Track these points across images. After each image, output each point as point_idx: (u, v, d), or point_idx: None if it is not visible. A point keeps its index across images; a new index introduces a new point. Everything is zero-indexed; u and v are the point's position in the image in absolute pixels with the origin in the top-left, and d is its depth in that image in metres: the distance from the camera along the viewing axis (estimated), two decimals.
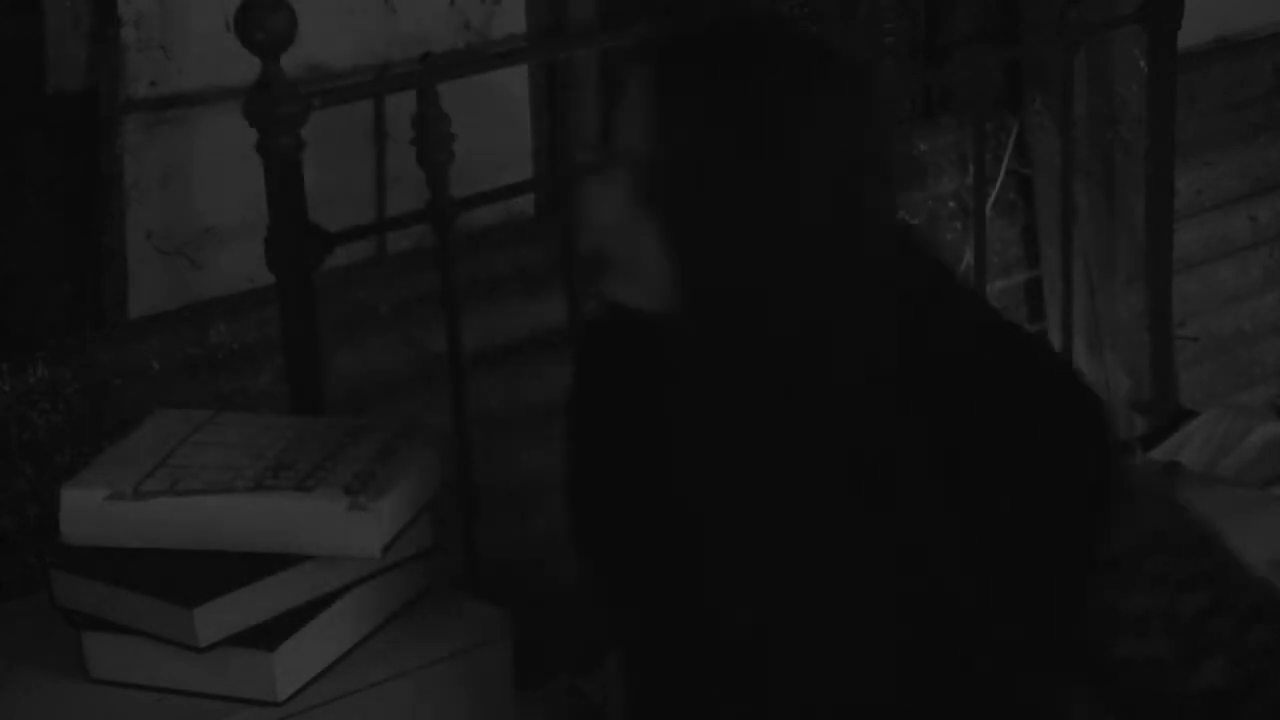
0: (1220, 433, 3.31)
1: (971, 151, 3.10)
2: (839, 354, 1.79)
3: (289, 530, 1.93)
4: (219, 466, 2.00)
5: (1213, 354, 3.71)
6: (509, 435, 2.82)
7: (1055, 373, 1.87)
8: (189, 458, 2.02)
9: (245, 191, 2.51)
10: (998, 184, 3.28)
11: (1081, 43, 3.18)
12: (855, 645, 1.85)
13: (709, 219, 1.77)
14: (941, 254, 1.93)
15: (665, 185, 1.77)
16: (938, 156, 3.23)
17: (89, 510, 1.96)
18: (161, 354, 2.54)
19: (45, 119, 2.46)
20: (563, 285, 2.70)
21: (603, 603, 2.02)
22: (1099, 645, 2.22)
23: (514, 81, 2.81)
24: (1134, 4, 3.16)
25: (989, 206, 3.16)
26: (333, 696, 1.95)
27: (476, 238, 2.77)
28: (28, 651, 2.00)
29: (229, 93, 2.50)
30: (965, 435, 1.80)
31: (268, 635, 1.90)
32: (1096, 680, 2.15)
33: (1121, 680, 2.21)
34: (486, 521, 2.68)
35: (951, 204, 3.26)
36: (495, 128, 2.79)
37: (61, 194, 2.49)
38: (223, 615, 1.88)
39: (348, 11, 2.65)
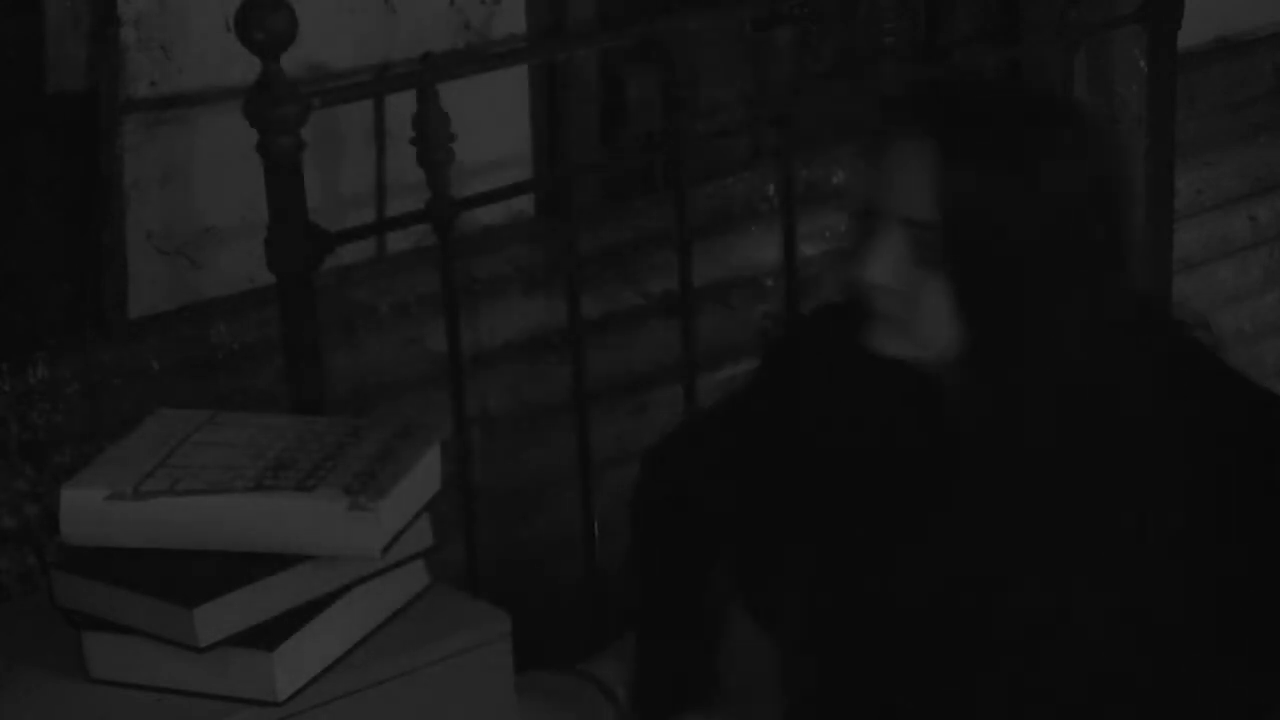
0: None
1: None
2: (1115, 397, 1.94)
3: (289, 530, 1.93)
4: (219, 466, 2.00)
5: None
6: (509, 435, 2.82)
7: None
8: (189, 458, 2.02)
9: (245, 191, 2.51)
10: None
11: (1081, 43, 3.18)
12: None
13: (999, 277, 1.90)
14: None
15: (955, 249, 1.89)
16: None
17: (89, 510, 1.96)
18: (161, 354, 2.54)
19: (45, 119, 2.46)
20: (563, 285, 2.70)
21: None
22: None
23: (514, 81, 2.81)
24: (1134, 4, 3.16)
25: None
26: (333, 696, 1.95)
27: (476, 238, 2.77)
28: (28, 651, 2.00)
29: (229, 93, 2.50)
30: (1226, 478, 1.96)
31: (268, 635, 1.90)
32: None
33: None
34: (486, 521, 2.68)
35: None
36: (495, 128, 2.79)
37: (61, 194, 2.49)
38: (223, 615, 1.88)
39: (348, 11, 2.65)
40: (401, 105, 2.60)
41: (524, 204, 2.86)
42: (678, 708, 2.27)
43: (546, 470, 2.86)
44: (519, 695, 2.14)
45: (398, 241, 2.75)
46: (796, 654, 2.15)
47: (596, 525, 2.72)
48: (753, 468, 2.15)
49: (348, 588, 1.96)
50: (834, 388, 2.06)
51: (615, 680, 2.47)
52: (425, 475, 2.03)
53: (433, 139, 2.44)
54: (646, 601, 2.30)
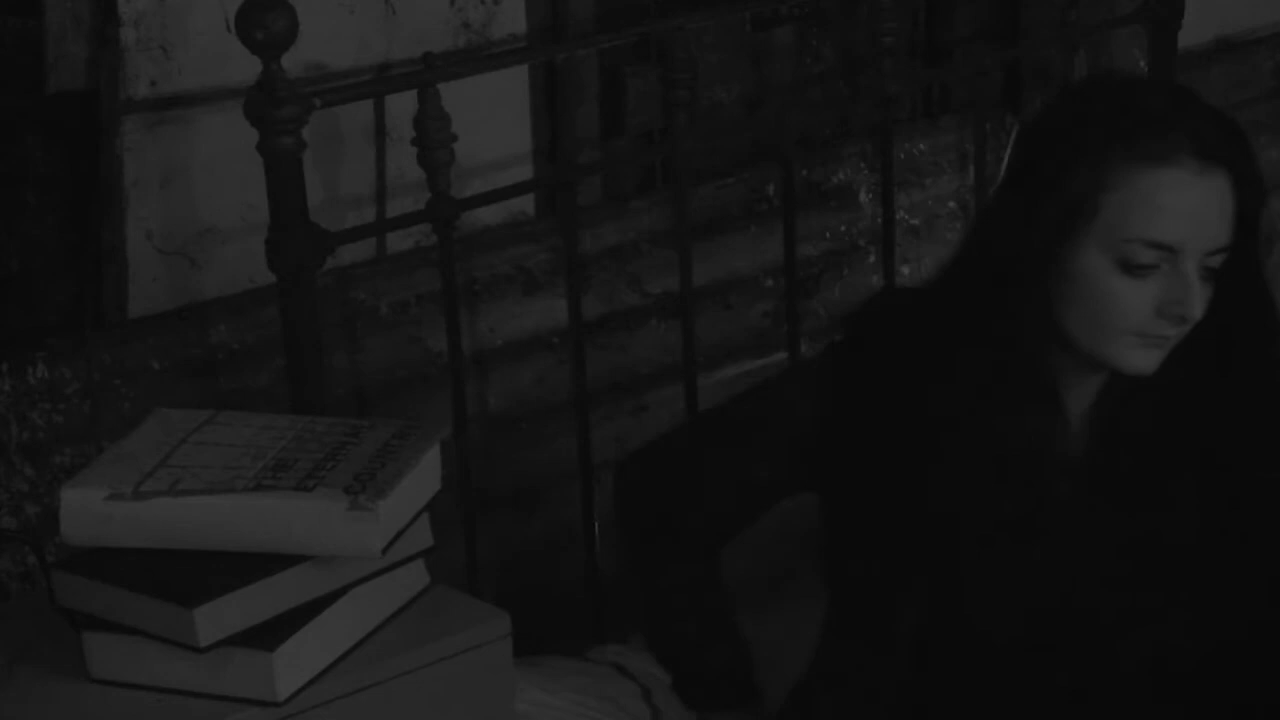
0: None
1: (971, 151, 3.10)
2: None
3: (289, 530, 1.93)
4: (219, 466, 2.00)
5: None
6: (509, 435, 2.82)
7: None
8: (189, 458, 2.02)
9: (245, 191, 2.51)
10: (998, 184, 3.27)
11: (1081, 43, 3.18)
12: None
13: (1251, 274, 2.07)
14: None
15: (1230, 262, 2.03)
16: (938, 156, 3.23)
17: (89, 510, 1.96)
18: (161, 354, 2.54)
19: (45, 119, 2.46)
20: (563, 285, 2.70)
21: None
22: None
23: (514, 81, 2.81)
24: (1134, 4, 3.16)
25: None
26: (333, 696, 1.95)
27: (476, 238, 2.77)
28: (28, 651, 2.00)
29: (229, 93, 2.50)
30: None
31: (268, 635, 1.90)
32: None
33: None
34: (486, 521, 2.68)
35: (951, 204, 3.26)
36: (495, 128, 2.79)
37: (61, 194, 2.49)
38: (223, 615, 1.88)
39: (348, 11, 2.65)
40: (401, 105, 2.60)
41: (524, 204, 2.86)
42: (723, 704, 2.30)
43: (546, 470, 2.86)
44: (539, 676, 2.15)
45: (398, 241, 2.75)
46: (902, 672, 2.16)
47: (597, 525, 2.72)
48: (835, 467, 2.16)
49: (348, 588, 1.96)
50: (938, 396, 2.08)
51: (635, 668, 2.46)
52: (425, 475, 2.03)
53: (433, 139, 2.44)
54: (662, 605, 2.32)
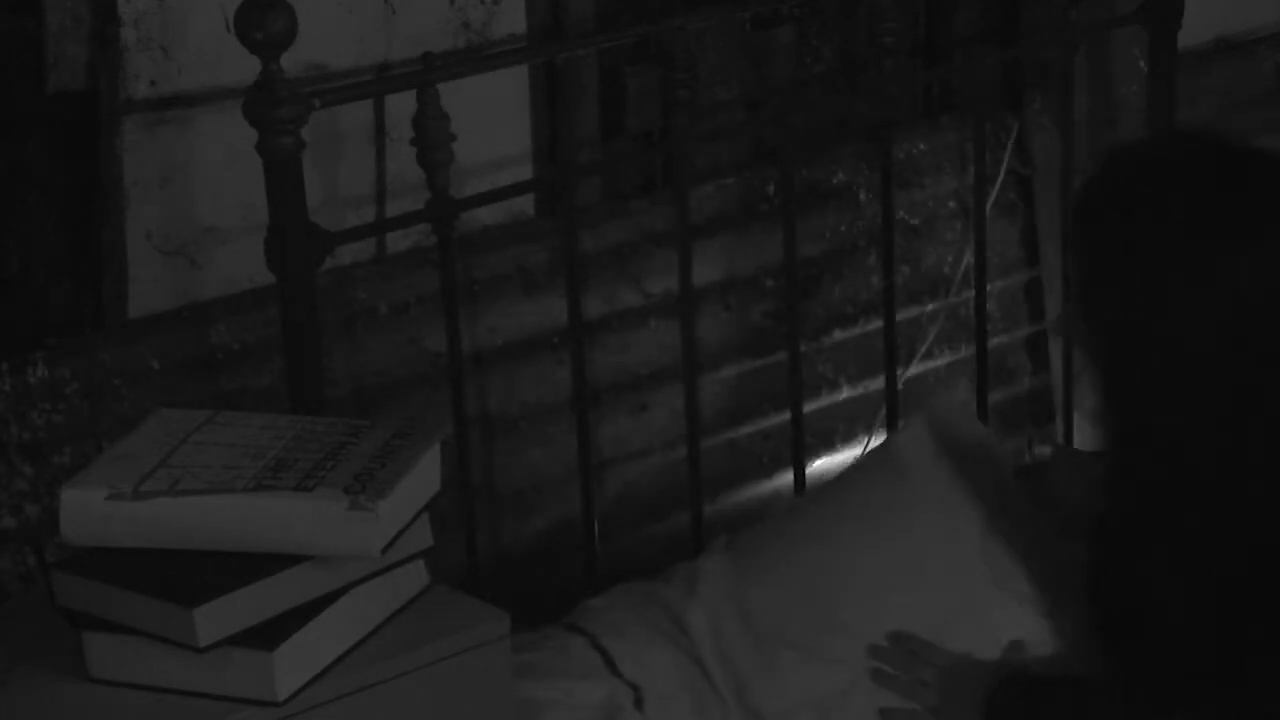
0: None
1: (971, 151, 3.10)
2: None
3: (289, 530, 1.93)
4: (219, 466, 2.00)
5: None
6: (509, 435, 2.82)
7: None
8: (189, 458, 2.02)
9: (245, 191, 2.51)
10: (998, 184, 3.28)
11: (1081, 43, 3.18)
12: None
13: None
14: None
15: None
16: (938, 156, 3.23)
17: (89, 510, 1.96)
18: (161, 354, 2.54)
19: (45, 119, 2.46)
20: (563, 285, 2.70)
21: None
22: None
23: (514, 81, 2.81)
24: (1134, 4, 3.16)
25: (989, 206, 3.16)
26: (333, 696, 1.95)
27: (476, 238, 2.77)
28: (28, 651, 2.00)
29: (229, 93, 2.50)
30: None
31: (268, 635, 1.90)
32: None
33: None
34: (486, 521, 2.68)
35: (951, 204, 3.26)
36: (495, 128, 2.79)
37: (61, 194, 2.49)
38: (223, 615, 1.88)
39: (348, 11, 2.65)
40: (401, 105, 2.60)
41: (524, 204, 2.86)
42: None
43: (546, 470, 2.86)
44: None
45: (398, 241, 2.75)
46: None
47: (596, 525, 2.72)
48: None
49: (348, 588, 1.96)
50: None
51: (603, 630, 2.45)
52: (425, 475, 2.04)
53: (433, 139, 2.44)
54: None
